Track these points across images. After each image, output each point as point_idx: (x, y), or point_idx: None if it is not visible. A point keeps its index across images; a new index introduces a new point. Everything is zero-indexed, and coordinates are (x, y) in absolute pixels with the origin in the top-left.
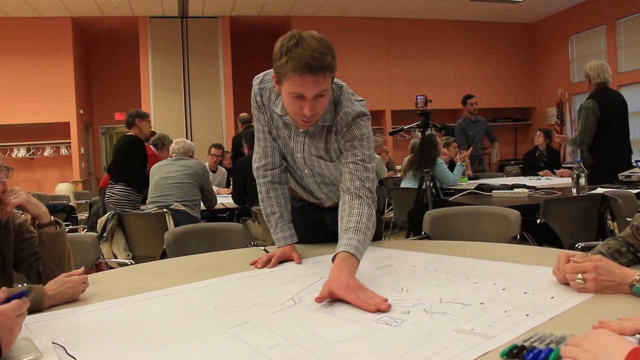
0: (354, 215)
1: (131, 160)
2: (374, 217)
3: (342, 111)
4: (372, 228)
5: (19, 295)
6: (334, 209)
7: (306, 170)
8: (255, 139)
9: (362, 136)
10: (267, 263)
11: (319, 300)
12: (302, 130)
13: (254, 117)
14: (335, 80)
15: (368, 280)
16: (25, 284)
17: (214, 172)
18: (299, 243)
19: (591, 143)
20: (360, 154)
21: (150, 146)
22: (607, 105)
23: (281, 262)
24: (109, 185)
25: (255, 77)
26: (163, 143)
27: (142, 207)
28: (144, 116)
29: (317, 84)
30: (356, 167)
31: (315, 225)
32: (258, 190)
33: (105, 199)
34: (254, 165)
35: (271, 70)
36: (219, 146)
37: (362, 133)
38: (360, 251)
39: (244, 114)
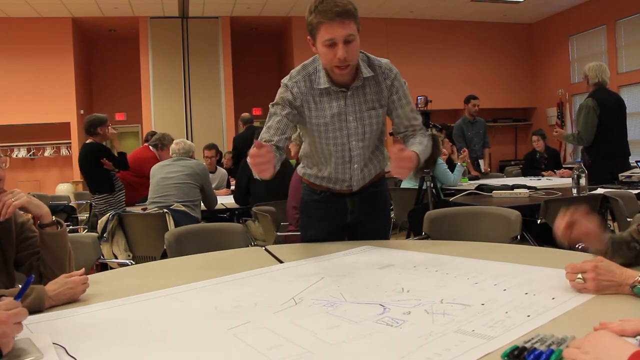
0: (418, 137)
1: (97, 170)
2: (430, 143)
3: (381, 62)
4: (428, 149)
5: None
6: (355, 194)
7: (354, 142)
8: (265, 127)
9: (404, 86)
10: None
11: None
12: (350, 93)
13: (270, 111)
14: None
15: (369, 280)
16: None
17: (213, 172)
18: (314, 239)
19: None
20: (411, 101)
21: (150, 147)
22: (605, 104)
23: (281, 262)
24: (93, 196)
25: (284, 78)
26: (163, 143)
27: (135, 208)
28: (104, 122)
29: (343, 27)
30: (413, 115)
31: (334, 216)
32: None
33: (93, 207)
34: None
35: (294, 68)
36: (210, 147)
37: (404, 81)
38: (422, 153)
39: (245, 114)
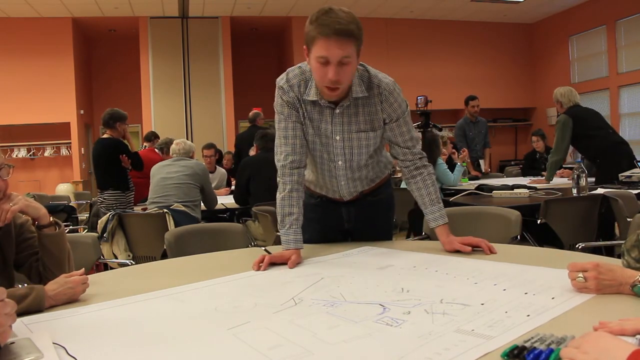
0: (430, 187)
1: (113, 166)
2: (435, 180)
3: (382, 82)
4: (436, 188)
5: None
6: (351, 203)
7: (340, 162)
8: (281, 137)
9: (405, 113)
10: (261, 263)
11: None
12: (338, 111)
13: (279, 116)
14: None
15: (369, 280)
16: (25, 285)
17: (212, 172)
18: (311, 242)
19: (584, 152)
20: (411, 130)
21: (155, 150)
22: (581, 116)
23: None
24: (98, 192)
25: (278, 78)
26: (169, 147)
27: (136, 208)
28: (125, 119)
29: (340, 48)
30: (412, 144)
31: (330, 222)
32: (279, 188)
33: (98, 204)
34: (279, 163)
35: (292, 68)
36: (209, 146)
37: (404, 110)
38: (440, 207)
39: (252, 113)
